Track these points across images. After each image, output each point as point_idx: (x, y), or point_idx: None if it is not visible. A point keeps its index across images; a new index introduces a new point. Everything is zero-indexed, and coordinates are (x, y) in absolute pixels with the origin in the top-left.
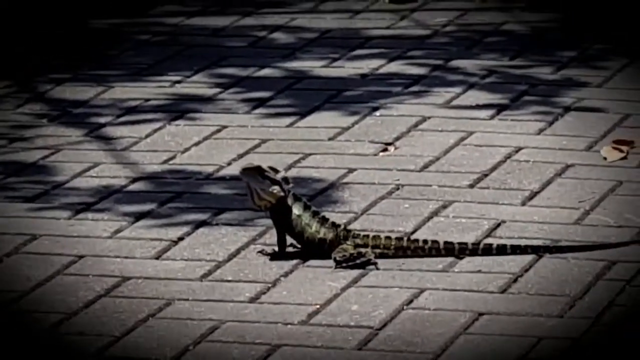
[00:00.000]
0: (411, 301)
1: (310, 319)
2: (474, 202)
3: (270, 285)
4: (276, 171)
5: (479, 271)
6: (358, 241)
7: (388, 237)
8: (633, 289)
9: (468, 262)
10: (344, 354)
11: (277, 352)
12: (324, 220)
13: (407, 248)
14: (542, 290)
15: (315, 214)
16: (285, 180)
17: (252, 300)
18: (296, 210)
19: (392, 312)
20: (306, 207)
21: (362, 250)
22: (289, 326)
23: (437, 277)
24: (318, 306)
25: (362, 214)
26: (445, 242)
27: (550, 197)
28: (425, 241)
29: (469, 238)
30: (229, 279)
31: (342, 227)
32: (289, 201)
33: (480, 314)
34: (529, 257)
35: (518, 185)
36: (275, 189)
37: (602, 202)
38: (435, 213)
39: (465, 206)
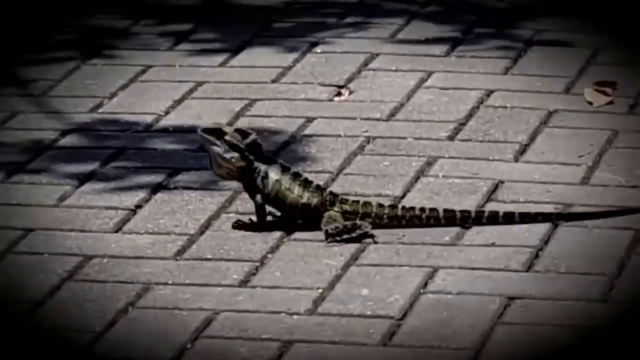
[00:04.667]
0: (426, 283)
1: (317, 307)
2: (462, 158)
3: (257, 264)
4: (245, 134)
5: (493, 244)
6: (346, 207)
7: (381, 205)
8: None
9: (477, 234)
10: (370, 352)
11: (291, 350)
12: (306, 183)
13: (401, 217)
14: (572, 269)
15: (295, 176)
16: (254, 145)
17: (243, 283)
18: (273, 174)
19: (409, 298)
20: (284, 170)
21: (357, 222)
22: (295, 317)
23: (448, 252)
24: (321, 290)
25: (338, 174)
26: (445, 210)
27: (545, 151)
28: (422, 209)
29: (469, 202)
30: (208, 256)
31: (328, 191)
32: (263, 167)
33: (511, 298)
34: (543, 226)
35: (504, 137)
36: (235, 156)
37: (602, 156)
38: (421, 172)
39: (453, 163)
